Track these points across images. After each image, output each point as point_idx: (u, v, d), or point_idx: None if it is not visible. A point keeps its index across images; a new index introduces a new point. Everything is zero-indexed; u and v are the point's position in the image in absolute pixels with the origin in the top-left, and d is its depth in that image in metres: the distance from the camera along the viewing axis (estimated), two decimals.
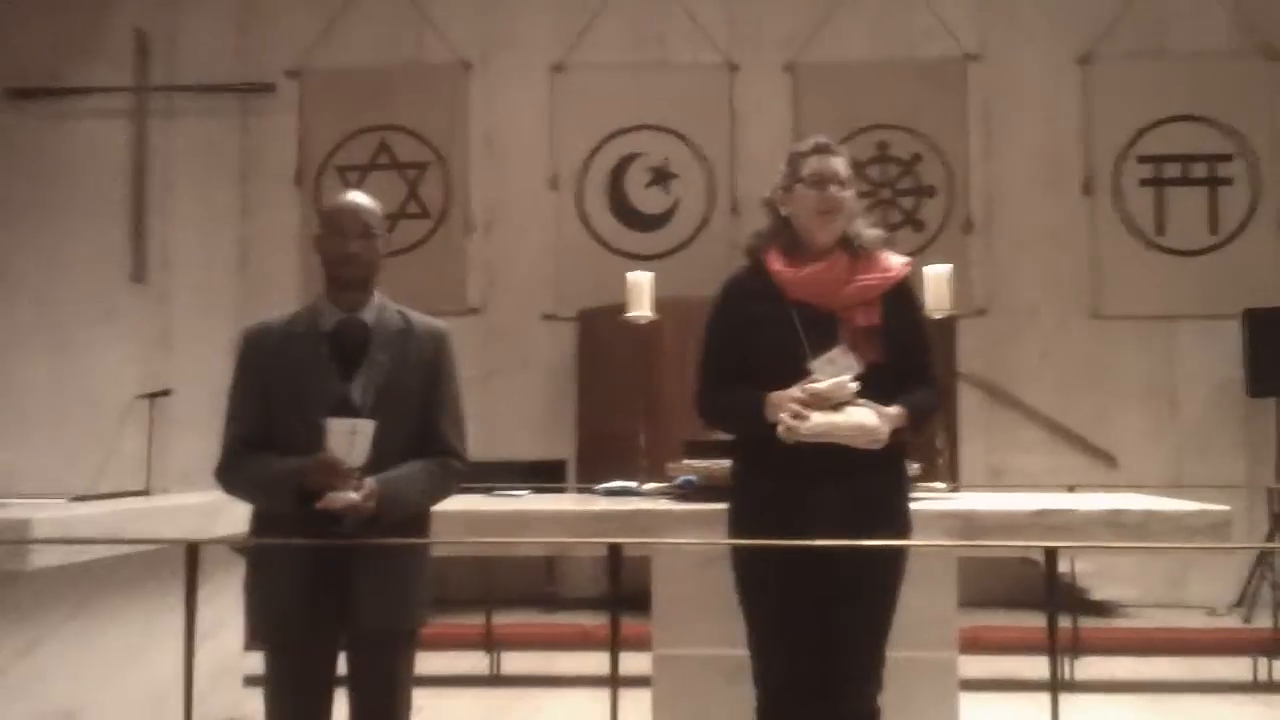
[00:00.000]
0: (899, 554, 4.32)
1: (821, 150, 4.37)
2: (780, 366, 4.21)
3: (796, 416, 4.10)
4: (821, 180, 4.30)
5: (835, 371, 4.15)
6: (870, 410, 4.13)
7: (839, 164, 4.35)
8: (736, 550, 4.39)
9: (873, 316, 4.28)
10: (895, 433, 4.20)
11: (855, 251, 4.35)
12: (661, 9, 12.38)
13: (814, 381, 4.14)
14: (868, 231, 4.41)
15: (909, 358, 4.36)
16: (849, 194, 4.35)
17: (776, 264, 4.36)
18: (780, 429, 4.12)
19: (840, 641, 4.24)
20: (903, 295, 4.42)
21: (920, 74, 12.18)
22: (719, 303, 4.50)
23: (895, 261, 4.41)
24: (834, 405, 4.11)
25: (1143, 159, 12.03)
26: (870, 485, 4.26)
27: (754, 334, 4.34)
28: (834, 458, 4.11)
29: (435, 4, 12.48)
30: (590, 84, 12.39)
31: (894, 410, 4.19)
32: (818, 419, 4.08)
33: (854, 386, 4.13)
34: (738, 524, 4.44)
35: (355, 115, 12.45)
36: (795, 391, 4.14)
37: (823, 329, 4.25)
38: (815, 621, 4.25)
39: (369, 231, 4.18)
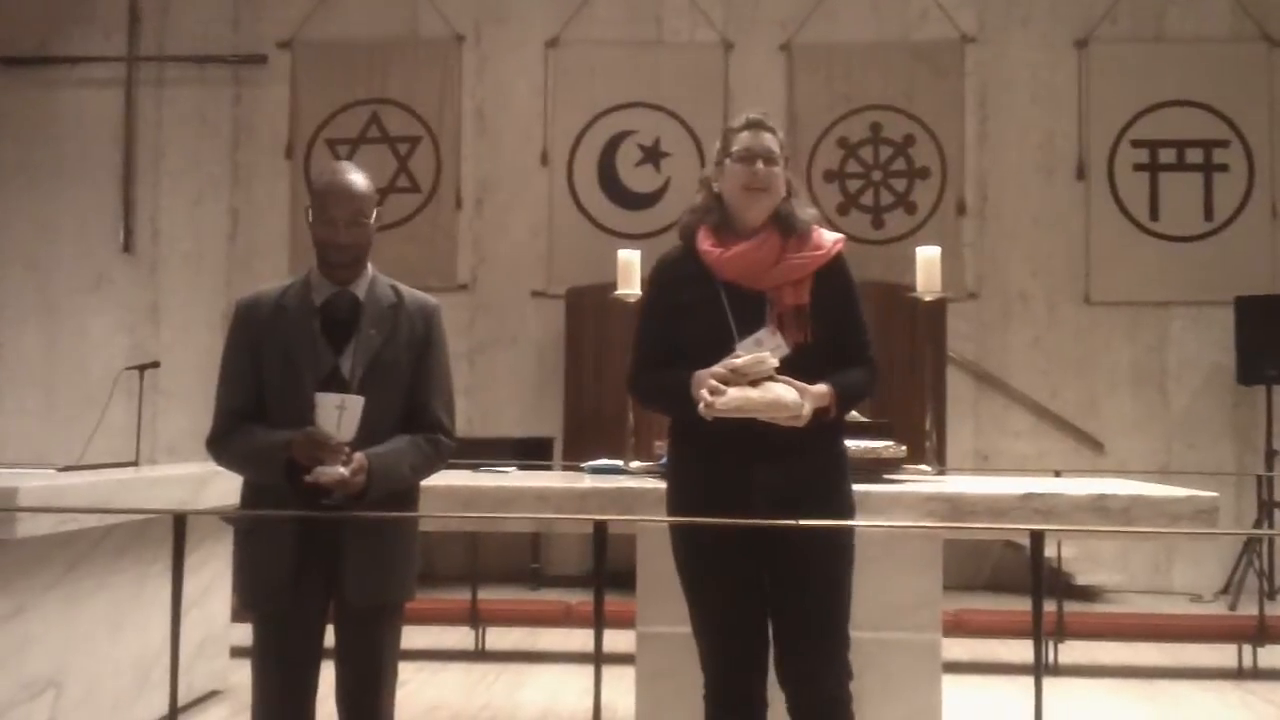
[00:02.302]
0: (842, 535, 4.22)
1: (753, 126, 4.28)
2: (709, 349, 4.13)
3: (714, 392, 4.03)
4: (750, 156, 4.22)
5: (756, 353, 4.10)
6: (788, 387, 4.04)
7: (770, 140, 4.26)
8: (675, 533, 4.32)
9: (801, 296, 4.19)
10: (821, 412, 4.11)
11: (787, 230, 4.25)
12: None
13: (735, 358, 4.09)
14: (801, 211, 4.30)
15: (843, 337, 4.27)
16: (778, 170, 4.25)
17: (705, 243, 4.29)
18: (700, 406, 4.04)
19: (790, 627, 4.18)
20: (835, 273, 4.28)
21: (916, 56, 12.17)
22: (651, 286, 4.44)
23: (827, 239, 4.29)
24: (754, 381, 4.04)
25: (1138, 144, 12.01)
26: (803, 467, 4.17)
27: (684, 317, 4.27)
28: (765, 439, 4.06)
29: None
30: (584, 60, 12.37)
31: (819, 389, 4.10)
32: (733, 394, 4.01)
33: (773, 363, 4.05)
34: (675, 506, 4.36)
35: (347, 87, 12.42)
36: (717, 368, 4.07)
37: (751, 310, 4.18)
38: (758, 606, 4.21)
39: (359, 219, 4.15)
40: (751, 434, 4.05)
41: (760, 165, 4.22)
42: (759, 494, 4.12)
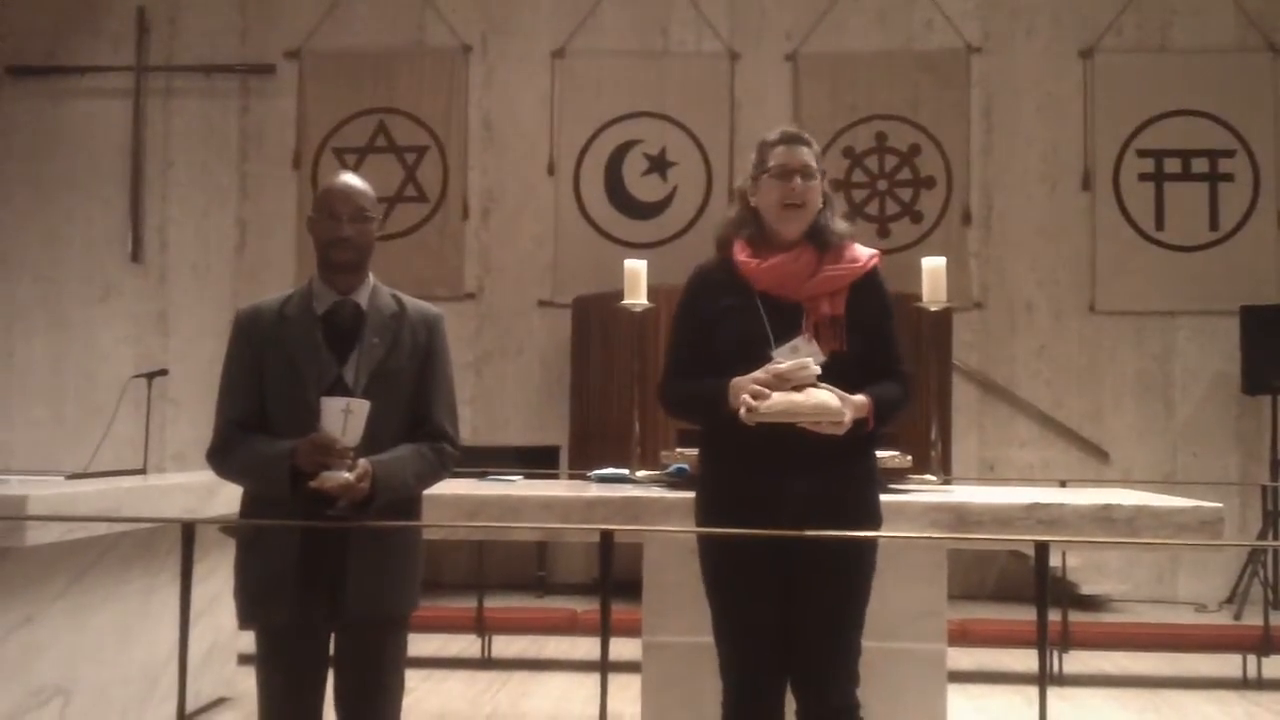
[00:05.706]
0: (866, 547, 4.22)
1: (789, 141, 4.28)
2: (744, 356, 4.13)
3: (758, 396, 4.02)
4: (786, 172, 4.22)
5: (797, 359, 4.09)
6: (831, 393, 4.03)
7: (806, 154, 4.26)
8: (703, 540, 4.32)
9: (837, 306, 4.19)
10: (859, 423, 4.09)
11: (822, 243, 4.26)
12: None
13: (776, 364, 4.08)
14: (837, 223, 4.31)
15: (876, 351, 4.26)
16: (815, 184, 4.25)
17: (742, 255, 4.30)
18: (742, 411, 4.02)
19: (808, 635, 4.17)
20: (871, 287, 4.29)
21: (921, 65, 12.20)
22: (687, 294, 4.42)
23: (863, 253, 4.31)
24: (795, 387, 4.04)
25: (1143, 153, 12.04)
26: (835, 478, 4.16)
27: (720, 325, 4.27)
28: (798, 449, 4.06)
29: None
30: (591, 70, 12.41)
31: (859, 399, 4.09)
32: (778, 398, 4.01)
33: (816, 369, 4.04)
34: (706, 513, 4.36)
35: (354, 97, 12.46)
36: (759, 374, 4.06)
37: (787, 319, 4.18)
38: (779, 614, 4.19)
39: (362, 214, 4.15)
40: (785, 444, 4.05)
41: (797, 181, 4.22)
42: (789, 504, 4.11)
